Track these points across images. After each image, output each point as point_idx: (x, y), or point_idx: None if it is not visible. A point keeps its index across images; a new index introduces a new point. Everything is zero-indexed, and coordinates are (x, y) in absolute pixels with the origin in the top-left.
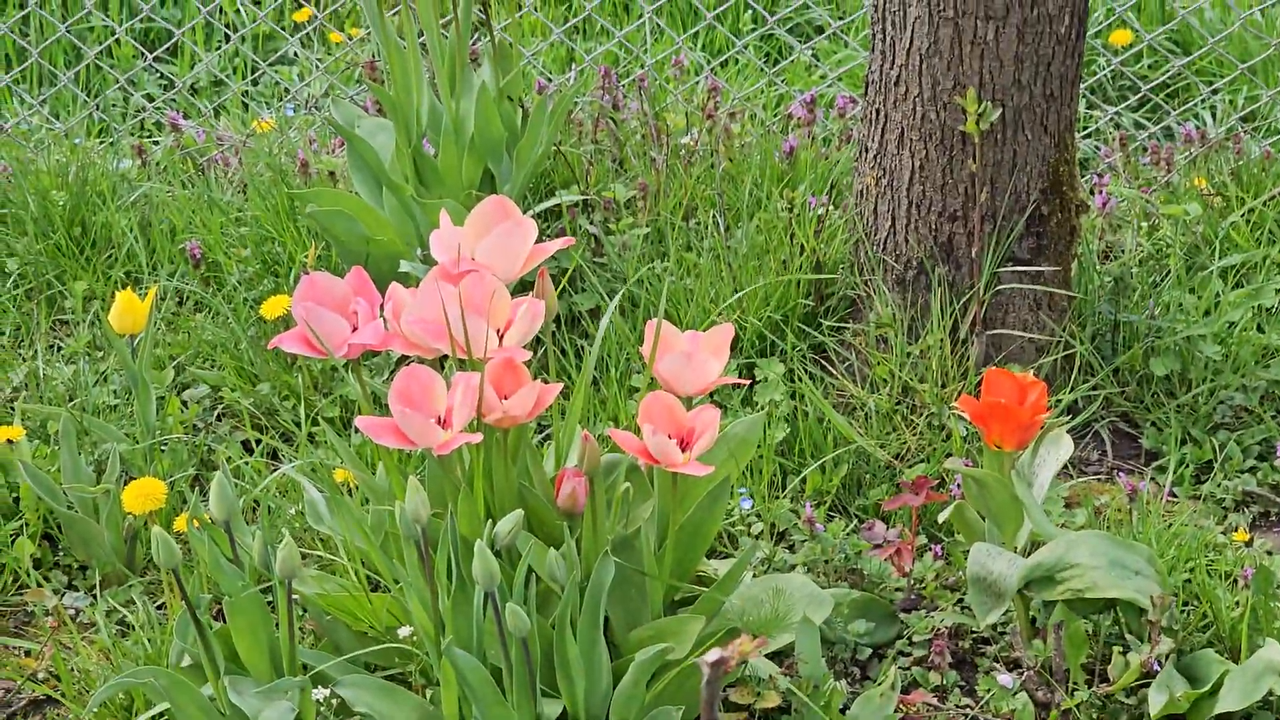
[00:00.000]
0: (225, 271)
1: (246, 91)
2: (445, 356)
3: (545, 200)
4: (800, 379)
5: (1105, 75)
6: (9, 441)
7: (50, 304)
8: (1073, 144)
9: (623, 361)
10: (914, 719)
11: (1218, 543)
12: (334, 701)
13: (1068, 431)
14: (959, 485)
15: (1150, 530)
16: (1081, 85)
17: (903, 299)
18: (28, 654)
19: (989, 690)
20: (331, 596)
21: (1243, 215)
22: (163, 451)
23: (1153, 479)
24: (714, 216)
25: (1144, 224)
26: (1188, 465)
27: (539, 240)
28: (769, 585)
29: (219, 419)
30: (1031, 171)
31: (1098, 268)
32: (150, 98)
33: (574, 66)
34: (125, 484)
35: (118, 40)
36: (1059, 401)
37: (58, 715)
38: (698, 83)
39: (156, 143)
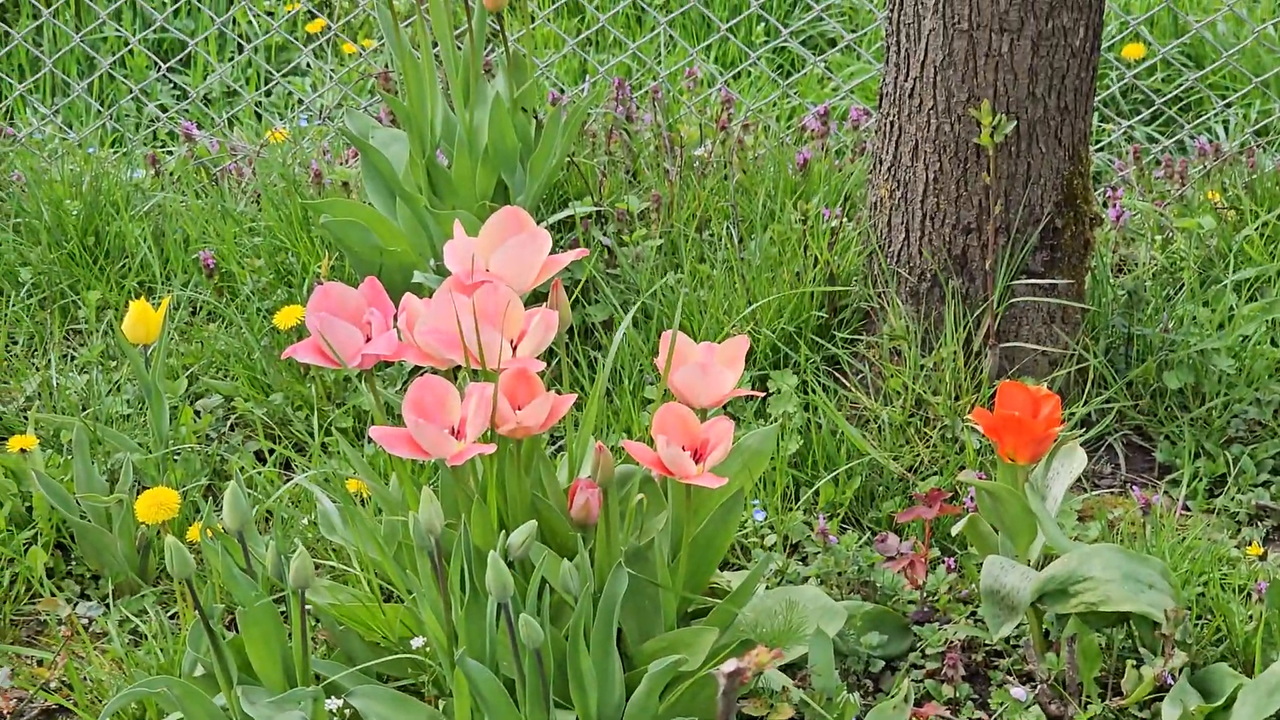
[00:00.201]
0: (239, 281)
1: (260, 102)
2: (459, 367)
3: (559, 211)
4: (813, 391)
5: (1118, 89)
6: (22, 451)
7: (64, 313)
8: (1087, 157)
9: (636, 373)
10: None
11: (1231, 556)
12: (347, 712)
13: (1081, 445)
14: (972, 498)
15: (1164, 544)
16: (1095, 99)
17: (916, 311)
18: (41, 663)
19: (1002, 703)
20: (344, 607)
21: (1256, 229)
22: (176, 461)
23: (1166, 492)
24: (727, 228)
25: (1158, 237)
26: (1201, 479)
27: (553, 251)
28: (782, 597)
29: (232, 429)
30: (1046, 184)
31: (1111, 281)
32: (164, 108)
33: (587, 78)
34: (138, 494)
35: (131, 50)
36: (1072, 415)
37: None
38: (711, 94)
39: (170, 153)
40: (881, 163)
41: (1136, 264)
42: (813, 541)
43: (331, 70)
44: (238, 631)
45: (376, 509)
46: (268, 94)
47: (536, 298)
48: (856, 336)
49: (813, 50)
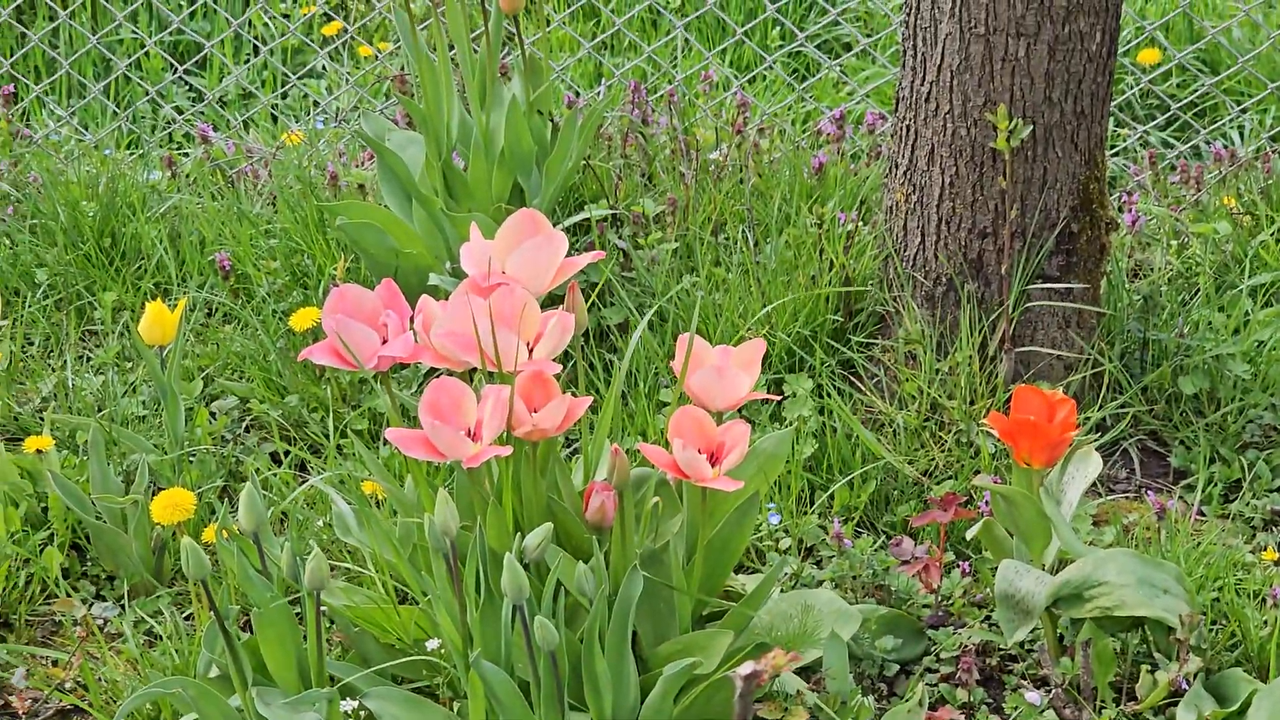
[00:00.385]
0: (254, 283)
1: (276, 104)
2: (475, 369)
3: (574, 214)
4: (829, 395)
5: (1134, 94)
6: (38, 451)
7: (80, 314)
8: (1103, 161)
9: (651, 376)
10: None
11: (1246, 561)
12: (362, 714)
13: (1096, 449)
14: (987, 502)
15: (1178, 549)
16: (1111, 103)
17: (932, 315)
18: (56, 663)
19: (1016, 708)
20: (359, 608)
21: (1272, 234)
22: (191, 462)
23: (1181, 497)
24: (743, 232)
25: (1173, 242)
26: (1216, 484)
27: (568, 254)
28: (797, 601)
29: (247, 430)
30: (1061, 189)
31: (1127, 286)
32: (180, 110)
33: (603, 81)
34: (153, 495)
35: (147, 52)
36: (1087, 419)
37: None
38: (727, 98)
39: (186, 155)
40: (897, 167)
41: (1152, 269)
42: (828, 545)
43: (347, 73)
44: (253, 633)
45: (392, 511)
46: (284, 96)
47: (553, 300)
48: (872, 340)
49: (828, 54)
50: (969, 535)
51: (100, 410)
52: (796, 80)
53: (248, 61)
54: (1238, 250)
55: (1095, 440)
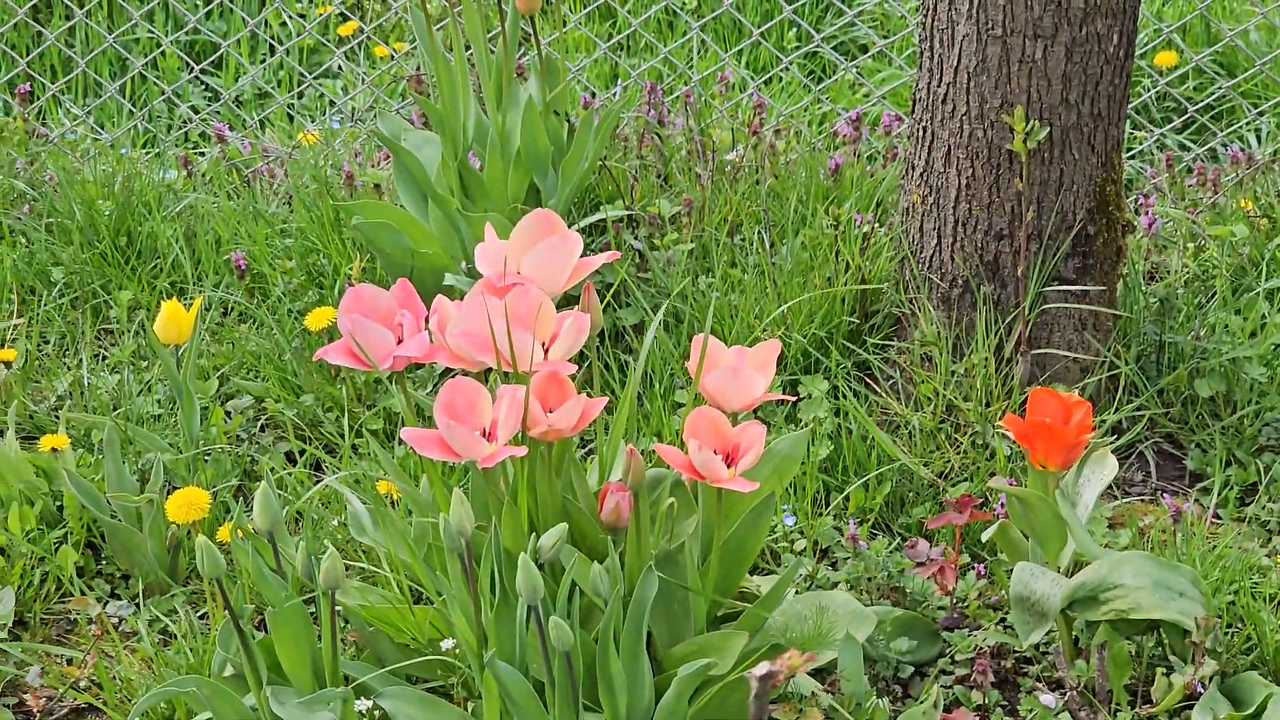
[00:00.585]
0: (270, 283)
1: (292, 104)
2: (490, 369)
3: (590, 215)
4: (844, 396)
5: (1150, 96)
6: (54, 450)
7: (95, 313)
8: (1120, 164)
9: (666, 376)
10: None
11: (1262, 565)
12: (376, 713)
13: (1112, 452)
14: (1003, 504)
15: (1194, 552)
16: (1127, 106)
17: (948, 317)
18: (70, 662)
19: (1031, 710)
20: (374, 608)
21: None
22: (206, 461)
23: (1197, 500)
24: (759, 233)
25: (1190, 245)
26: (1232, 487)
27: (584, 254)
28: (812, 602)
29: (262, 430)
30: (1078, 191)
31: (1143, 288)
32: (196, 109)
33: (619, 82)
34: (168, 494)
35: (163, 52)
36: (1103, 422)
37: None
38: (743, 99)
39: (202, 154)
40: (914, 168)
41: (1168, 271)
42: (843, 547)
43: (364, 73)
44: (267, 632)
45: (407, 511)
46: (300, 96)
47: (568, 301)
48: (888, 342)
49: (845, 56)
50: (984, 537)
51: (115, 409)
52: (813, 82)
53: (264, 61)
54: (1254, 253)
55: (1111, 443)
